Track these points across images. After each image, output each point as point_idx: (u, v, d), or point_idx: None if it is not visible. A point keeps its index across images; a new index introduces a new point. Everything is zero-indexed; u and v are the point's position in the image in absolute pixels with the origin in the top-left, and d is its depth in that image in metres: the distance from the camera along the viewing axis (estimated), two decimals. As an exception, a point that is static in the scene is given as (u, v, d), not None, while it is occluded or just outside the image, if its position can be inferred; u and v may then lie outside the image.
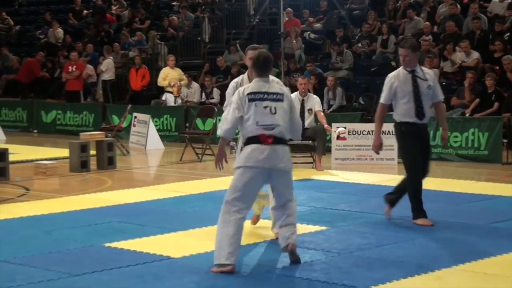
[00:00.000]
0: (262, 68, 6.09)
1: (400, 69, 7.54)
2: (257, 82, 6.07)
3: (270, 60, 6.15)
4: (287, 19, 19.18)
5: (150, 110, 16.44)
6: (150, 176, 12.34)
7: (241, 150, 6.32)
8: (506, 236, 6.91)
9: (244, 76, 6.90)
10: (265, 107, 5.98)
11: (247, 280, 5.73)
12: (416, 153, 7.40)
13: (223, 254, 5.87)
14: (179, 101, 16.85)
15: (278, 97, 6.04)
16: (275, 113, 5.99)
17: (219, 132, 6.21)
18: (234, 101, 6.06)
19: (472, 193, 9.16)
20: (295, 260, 6.12)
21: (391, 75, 7.53)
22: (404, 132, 7.47)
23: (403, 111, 7.42)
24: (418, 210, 7.37)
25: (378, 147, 7.62)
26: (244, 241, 6.85)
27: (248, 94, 6.00)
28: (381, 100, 7.53)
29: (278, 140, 6.00)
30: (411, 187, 7.41)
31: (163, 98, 17.09)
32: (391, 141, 12.36)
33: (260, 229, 7.45)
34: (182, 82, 17.06)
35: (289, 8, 19.42)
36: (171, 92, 16.96)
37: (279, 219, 6.18)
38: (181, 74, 17.26)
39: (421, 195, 7.42)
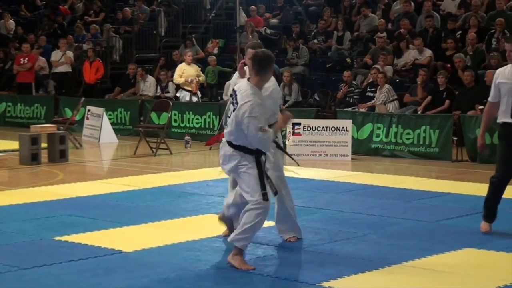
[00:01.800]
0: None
1: (509, 65, 6.91)
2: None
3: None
4: (244, 17, 19.18)
5: (103, 103, 16.27)
6: (103, 169, 12.23)
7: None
8: (454, 233, 7.02)
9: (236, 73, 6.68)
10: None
11: (198, 275, 5.71)
12: (504, 160, 6.85)
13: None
14: (195, 99, 15.90)
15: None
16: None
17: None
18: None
19: (423, 190, 9.28)
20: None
21: (497, 70, 7.00)
22: (500, 134, 6.97)
23: (501, 111, 6.83)
24: (484, 215, 7.04)
25: (480, 147, 7.12)
26: (195, 236, 6.86)
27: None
28: (489, 98, 6.99)
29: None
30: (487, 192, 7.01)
31: (178, 95, 16.08)
32: (345, 137, 12.51)
33: (217, 223, 7.44)
34: (201, 78, 16.17)
35: (252, 6, 19.43)
36: (188, 90, 15.98)
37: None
38: (198, 70, 16.29)
39: (495, 203, 6.95)
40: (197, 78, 16.18)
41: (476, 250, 6.37)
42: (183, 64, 16.27)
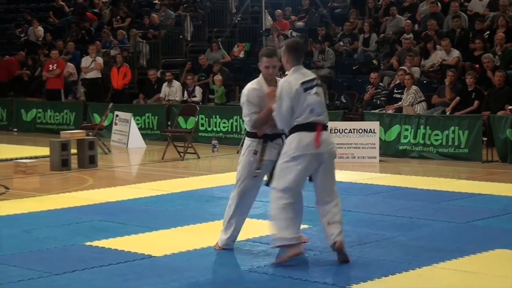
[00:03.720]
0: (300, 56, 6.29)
1: None
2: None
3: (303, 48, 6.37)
4: (270, 20, 19.21)
5: (131, 108, 16.38)
6: (132, 174, 12.30)
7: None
8: (484, 234, 6.96)
9: (260, 79, 6.67)
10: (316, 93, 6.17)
11: (227, 279, 5.73)
12: None
13: (288, 235, 5.95)
14: None
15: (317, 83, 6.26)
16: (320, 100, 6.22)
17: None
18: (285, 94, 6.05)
19: (453, 191, 9.21)
20: (343, 259, 6.00)
21: None
22: None
23: None
24: None
25: None
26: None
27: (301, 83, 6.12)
28: None
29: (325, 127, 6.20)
30: None
31: None
32: (373, 139, 12.46)
33: (246, 227, 7.46)
34: None
35: (278, 10, 19.45)
36: None
37: (325, 215, 6.12)
38: None
39: None
40: None
41: (508, 251, 6.31)
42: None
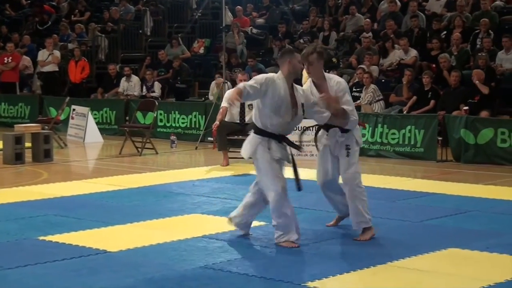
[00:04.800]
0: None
1: None
2: None
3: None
4: (230, 16, 19.18)
5: (89, 102, 16.22)
6: (88, 169, 12.19)
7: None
8: (438, 233, 7.05)
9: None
10: None
11: (183, 275, 5.70)
12: None
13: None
14: None
15: None
16: None
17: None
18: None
19: (408, 190, 9.32)
20: None
21: None
22: None
23: None
24: None
25: None
26: (181, 235, 6.85)
27: None
28: None
29: None
30: None
31: None
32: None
33: (202, 223, 7.44)
34: None
35: (238, 6, 19.43)
36: None
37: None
38: None
39: None
40: None
41: (460, 250, 6.40)
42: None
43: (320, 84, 6.71)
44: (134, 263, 5.99)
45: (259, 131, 6.54)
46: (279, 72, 6.55)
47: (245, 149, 6.60)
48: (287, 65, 6.46)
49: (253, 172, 10.77)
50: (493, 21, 15.03)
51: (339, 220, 7.26)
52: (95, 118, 15.54)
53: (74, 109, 15.39)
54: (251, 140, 6.57)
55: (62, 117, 15.11)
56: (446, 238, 6.80)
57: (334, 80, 6.75)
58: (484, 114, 12.33)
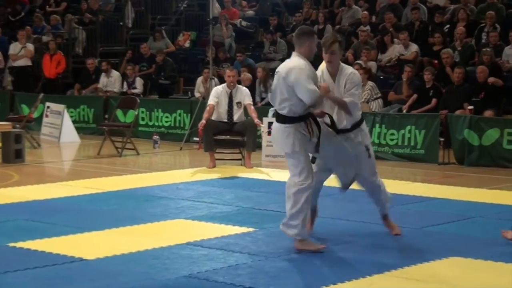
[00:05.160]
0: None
1: None
2: None
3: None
4: (218, 8, 19.17)
5: (65, 99, 16.19)
6: (63, 171, 12.16)
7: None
8: (438, 240, 7.07)
9: (323, 66, 6.95)
10: None
11: (165, 285, 5.70)
12: None
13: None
14: None
15: None
16: None
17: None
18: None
19: (407, 194, 9.34)
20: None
21: None
22: None
23: None
24: None
25: None
26: (163, 242, 6.84)
27: None
28: None
29: None
30: None
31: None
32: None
33: (187, 229, 7.44)
34: None
35: None
36: None
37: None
38: None
39: None
40: None
41: (462, 259, 6.42)
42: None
43: (332, 73, 6.85)
44: (112, 271, 5.98)
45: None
46: (296, 52, 6.71)
47: None
48: (306, 47, 6.67)
49: (244, 174, 10.83)
50: (500, 14, 15.10)
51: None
52: (71, 116, 15.51)
53: (48, 107, 15.35)
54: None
55: (35, 115, 15.08)
56: (448, 246, 6.82)
57: (349, 70, 6.89)
58: (489, 113, 12.38)
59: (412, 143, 12.37)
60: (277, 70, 6.75)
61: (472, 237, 7.22)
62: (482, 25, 14.77)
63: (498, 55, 13.77)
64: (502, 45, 14.02)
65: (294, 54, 6.75)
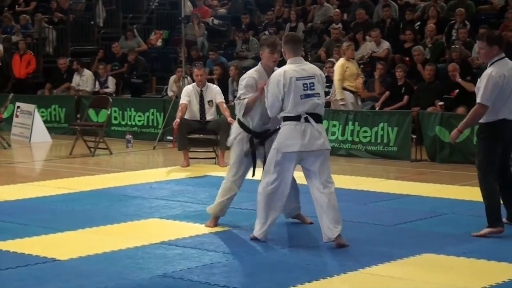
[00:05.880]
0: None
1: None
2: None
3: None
4: (190, 6, 19.13)
5: (35, 99, 16.06)
6: (35, 171, 12.07)
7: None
8: (412, 237, 7.11)
9: (258, 68, 7.18)
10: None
11: (140, 285, 5.67)
12: None
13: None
14: (359, 101, 13.64)
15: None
16: None
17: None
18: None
19: (380, 192, 9.38)
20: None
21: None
22: None
23: None
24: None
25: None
26: (137, 242, 6.82)
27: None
28: None
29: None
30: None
31: (338, 97, 13.34)
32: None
33: (161, 229, 7.41)
34: (361, 77, 13.70)
35: None
36: (352, 91, 13.39)
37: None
38: (358, 67, 13.80)
39: None
40: (360, 75, 13.74)
41: (435, 256, 6.47)
42: (343, 59, 13.48)
43: (269, 74, 6.99)
44: (85, 272, 5.95)
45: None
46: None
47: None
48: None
49: (217, 173, 10.81)
50: (469, 11, 15.22)
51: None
52: (42, 116, 15.39)
53: (18, 107, 15.23)
54: None
55: (5, 115, 14.95)
56: (421, 243, 6.86)
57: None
58: (460, 110, 12.46)
59: (385, 140, 12.42)
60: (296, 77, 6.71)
61: (444, 233, 7.27)
62: (452, 22, 14.88)
63: (469, 51, 13.88)
64: (471, 42, 14.13)
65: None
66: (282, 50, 6.91)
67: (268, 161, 6.89)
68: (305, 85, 6.68)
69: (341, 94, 13.19)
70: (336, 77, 13.27)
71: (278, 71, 6.80)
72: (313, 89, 6.71)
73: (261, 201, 6.87)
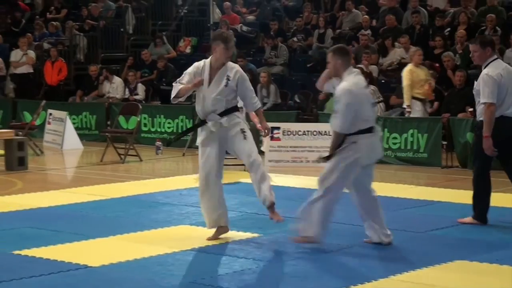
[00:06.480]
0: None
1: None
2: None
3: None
4: (219, 13, 19.20)
5: (67, 106, 16.19)
6: (66, 178, 12.16)
7: None
8: (444, 244, 7.06)
9: (207, 61, 7.46)
10: None
11: (171, 291, 5.70)
12: None
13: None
14: (428, 109, 13.17)
15: None
16: None
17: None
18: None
19: (411, 198, 9.33)
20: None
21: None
22: None
23: None
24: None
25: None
26: (168, 249, 6.84)
27: None
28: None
29: None
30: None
31: (404, 104, 12.96)
32: (328, 142, 12.51)
33: (191, 235, 7.43)
34: (432, 83, 13.17)
35: (227, 2, 19.43)
36: (420, 98, 12.96)
37: None
38: (427, 73, 13.22)
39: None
40: (430, 81, 13.15)
41: (468, 263, 6.41)
42: (410, 65, 13.08)
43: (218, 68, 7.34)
44: (117, 279, 5.98)
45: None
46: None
47: None
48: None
49: (247, 180, 10.80)
50: (500, 17, 15.09)
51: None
52: (74, 123, 15.50)
53: (50, 114, 15.35)
54: None
55: (37, 122, 15.08)
56: (453, 250, 6.81)
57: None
58: (491, 116, 12.37)
59: (415, 147, 12.36)
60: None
61: (477, 240, 7.21)
62: (482, 28, 14.77)
63: (500, 57, 13.75)
64: (502, 48, 14.02)
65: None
66: (334, 63, 6.86)
67: (341, 174, 6.80)
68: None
69: (408, 101, 12.92)
70: (404, 82, 12.91)
71: (345, 88, 6.72)
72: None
73: (325, 209, 6.83)
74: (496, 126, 7.46)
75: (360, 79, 6.89)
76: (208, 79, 7.28)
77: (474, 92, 7.75)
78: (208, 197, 7.20)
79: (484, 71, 7.55)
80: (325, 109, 13.89)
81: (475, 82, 7.74)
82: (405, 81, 12.93)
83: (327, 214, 6.81)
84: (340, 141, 6.74)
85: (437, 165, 12.06)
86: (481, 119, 7.57)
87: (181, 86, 7.32)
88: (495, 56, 7.70)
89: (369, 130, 6.77)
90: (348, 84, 6.72)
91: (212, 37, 7.46)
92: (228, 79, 7.23)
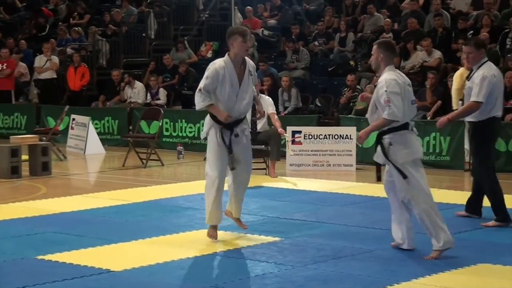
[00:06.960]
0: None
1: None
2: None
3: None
4: (240, 17, 19.22)
5: (89, 111, 16.29)
6: (89, 183, 12.23)
7: None
8: (466, 247, 7.02)
9: (225, 60, 7.24)
10: None
11: (193, 295, 5.72)
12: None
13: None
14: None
15: None
16: None
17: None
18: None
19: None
20: None
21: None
22: None
23: None
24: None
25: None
26: (190, 253, 6.86)
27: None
28: None
29: None
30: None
31: (453, 108, 12.47)
32: (349, 146, 12.52)
33: (210, 240, 7.45)
34: None
35: (248, 7, 19.47)
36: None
37: None
38: None
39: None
40: None
41: (491, 266, 6.38)
42: (462, 69, 12.68)
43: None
44: (140, 283, 6.00)
45: None
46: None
47: None
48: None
49: (268, 184, 10.82)
50: (524, 19, 14.98)
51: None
52: (96, 128, 15.59)
53: (73, 119, 15.45)
54: None
55: (61, 127, 15.17)
56: (475, 253, 6.78)
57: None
58: (515, 119, 12.31)
59: (438, 150, 12.31)
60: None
61: (500, 243, 7.17)
62: (506, 30, 14.68)
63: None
64: (526, 50, 13.94)
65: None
66: (377, 56, 6.74)
67: (414, 179, 6.87)
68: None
69: (456, 105, 12.75)
70: (453, 86, 12.79)
71: (390, 78, 6.60)
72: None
73: (432, 215, 6.73)
74: (491, 127, 7.72)
75: (403, 76, 6.77)
76: (237, 79, 7.15)
77: (464, 92, 7.95)
78: (219, 195, 7.31)
79: (480, 72, 7.68)
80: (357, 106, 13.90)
81: (467, 82, 7.90)
82: (454, 85, 12.81)
83: (435, 215, 6.70)
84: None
85: (460, 168, 12.00)
86: (473, 120, 7.78)
87: (212, 103, 7.27)
88: (486, 58, 7.86)
89: (405, 126, 6.67)
90: (391, 75, 6.61)
91: (228, 33, 7.34)
92: (250, 74, 7.19)
